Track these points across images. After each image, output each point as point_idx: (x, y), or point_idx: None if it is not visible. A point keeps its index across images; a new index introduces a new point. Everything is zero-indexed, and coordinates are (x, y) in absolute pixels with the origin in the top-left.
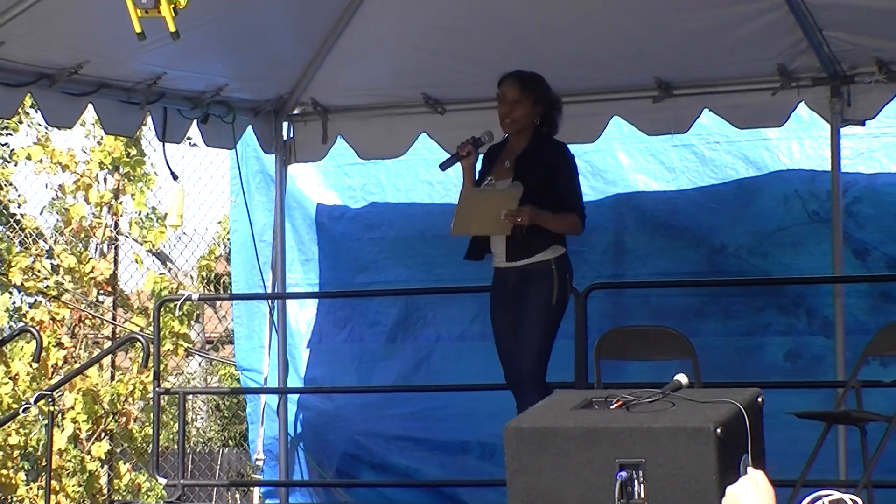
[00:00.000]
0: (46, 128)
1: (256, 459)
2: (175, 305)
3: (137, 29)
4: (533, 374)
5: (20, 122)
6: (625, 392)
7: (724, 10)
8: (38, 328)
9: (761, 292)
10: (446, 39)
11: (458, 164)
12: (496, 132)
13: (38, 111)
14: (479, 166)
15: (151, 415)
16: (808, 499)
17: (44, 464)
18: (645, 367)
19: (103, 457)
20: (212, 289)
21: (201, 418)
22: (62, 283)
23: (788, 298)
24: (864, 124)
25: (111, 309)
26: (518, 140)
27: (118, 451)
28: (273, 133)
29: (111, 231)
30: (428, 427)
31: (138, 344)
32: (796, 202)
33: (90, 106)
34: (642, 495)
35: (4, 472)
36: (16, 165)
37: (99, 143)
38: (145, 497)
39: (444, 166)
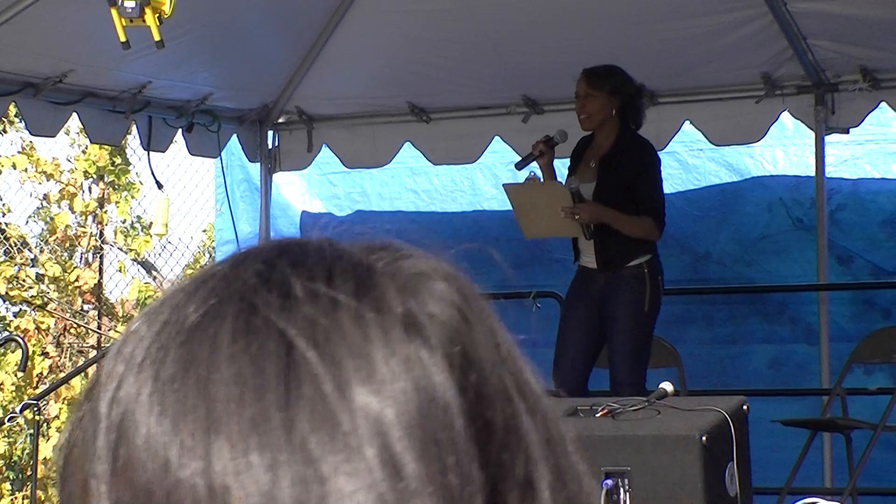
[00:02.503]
0: (31, 137)
1: None
2: None
3: (122, 38)
4: (631, 383)
5: (4, 133)
6: (610, 400)
7: (708, 19)
8: (23, 337)
9: (745, 300)
10: (431, 48)
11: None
12: (571, 131)
13: (22, 120)
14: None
15: None
16: None
17: (29, 473)
18: None
19: None
20: None
21: None
22: (47, 292)
23: (772, 306)
24: (848, 132)
25: (96, 318)
26: (603, 137)
27: None
28: (258, 142)
29: (96, 240)
30: None
31: None
32: (780, 210)
33: (75, 115)
34: (628, 503)
35: None
36: (0, 174)
37: (84, 151)
38: None
39: (519, 166)
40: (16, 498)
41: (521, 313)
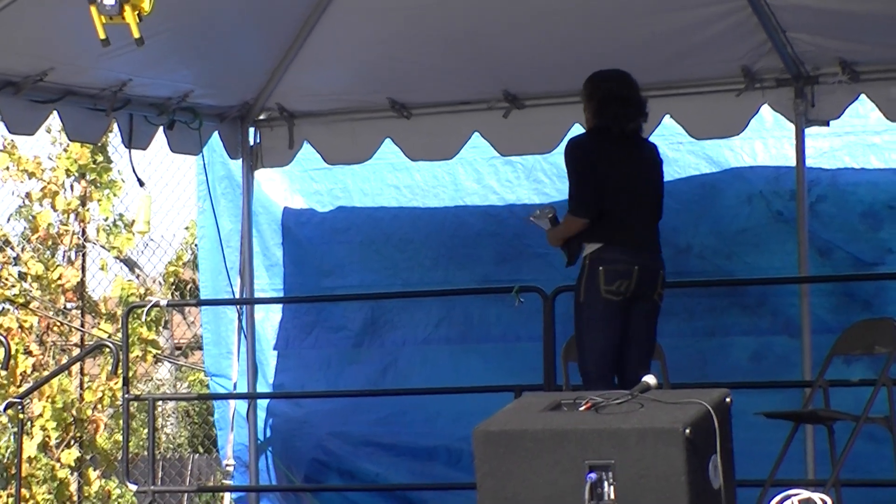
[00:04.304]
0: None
1: (226, 465)
2: (143, 311)
3: (102, 35)
4: (586, 374)
5: None
6: (593, 394)
7: (687, 13)
8: (5, 336)
9: (725, 293)
10: (411, 44)
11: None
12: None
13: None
14: None
15: (121, 421)
16: (777, 498)
17: (13, 472)
18: None
19: (73, 464)
20: (180, 295)
21: (171, 424)
22: (30, 291)
23: (753, 298)
24: (828, 124)
25: (79, 316)
26: None
27: (88, 458)
28: (239, 139)
29: (78, 238)
30: (395, 432)
31: (107, 350)
32: (760, 202)
33: (54, 113)
34: (612, 496)
35: None
36: None
37: (65, 150)
38: None
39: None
40: (0, 496)
41: (504, 308)
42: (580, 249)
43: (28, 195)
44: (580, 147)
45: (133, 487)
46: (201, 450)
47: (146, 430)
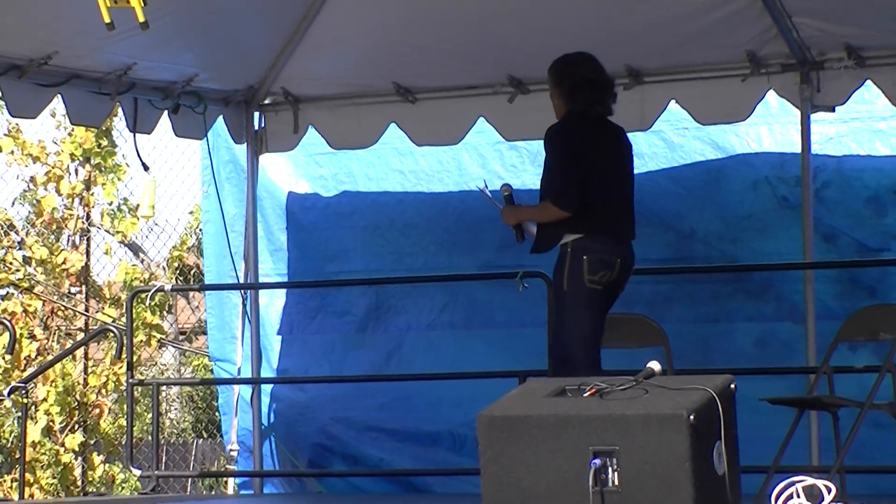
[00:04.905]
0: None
1: (230, 450)
2: (147, 296)
3: (107, 19)
4: (557, 360)
5: None
6: (598, 379)
7: None
8: (10, 320)
9: (730, 279)
10: (417, 28)
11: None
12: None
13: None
14: None
15: (125, 406)
16: (781, 485)
17: (17, 456)
18: (617, 355)
19: (77, 449)
20: (184, 279)
21: (175, 409)
22: (34, 275)
23: (757, 284)
24: (833, 110)
25: (84, 300)
26: None
27: (92, 442)
28: (244, 123)
29: (83, 222)
30: (399, 418)
31: (111, 335)
32: (765, 188)
33: (58, 97)
34: (616, 482)
35: None
36: None
37: (70, 134)
38: (119, 489)
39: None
40: (4, 480)
41: (508, 293)
42: (551, 238)
43: (32, 179)
44: (564, 135)
45: (137, 472)
46: (205, 435)
47: (150, 415)
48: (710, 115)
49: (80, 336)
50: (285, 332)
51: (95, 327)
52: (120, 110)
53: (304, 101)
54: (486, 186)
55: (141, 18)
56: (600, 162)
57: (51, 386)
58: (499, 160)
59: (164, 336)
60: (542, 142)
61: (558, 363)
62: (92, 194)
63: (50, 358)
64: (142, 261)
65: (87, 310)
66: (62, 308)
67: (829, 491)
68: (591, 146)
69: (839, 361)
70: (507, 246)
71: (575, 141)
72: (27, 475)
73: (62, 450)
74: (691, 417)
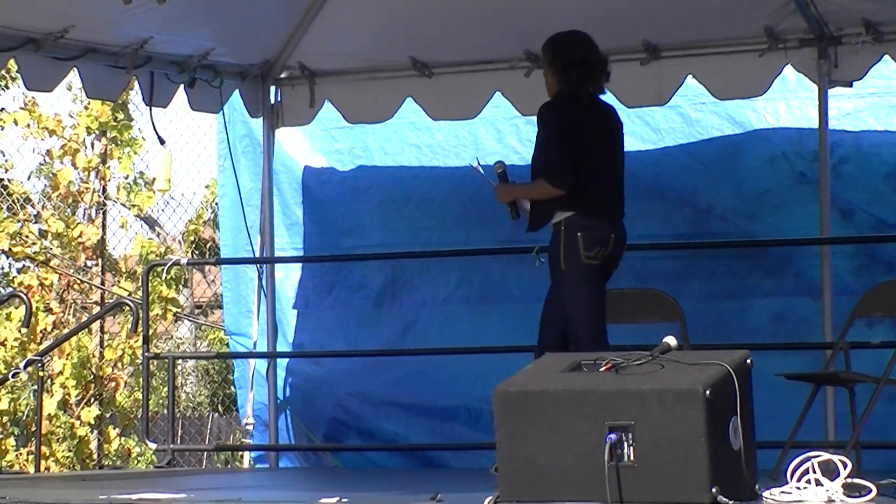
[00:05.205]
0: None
1: (246, 424)
2: (163, 270)
3: None
4: (551, 340)
5: (6, 88)
6: (614, 354)
7: None
8: (26, 293)
9: (747, 254)
10: (433, 2)
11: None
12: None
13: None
14: None
15: (140, 380)
16: (797, 460)
17: (33, 429)
18: (633, 330)
19: (93, 422)
20: (200, 253)
21: (191, 383)
22: (50, 249)
23: (774, 260)
24: (851, 85)
25: (99, 274)
26: None
27: (108, 416)
28: (260, 97)
29: (99, 196)
30: (415, 392)
31: (127, 309)
32: (783, 163)
33: (73, 71)
34: (632, 457)
35: None
36: (2, 130)
37: (86, 108)
38: (135, 462)
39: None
40: (20, 453)
41: (524, 269)
42: (544, 216)
43: (48, 153)
44: (557, 112)
45: (152, 446)
46: (220, 409)
47: (166, 389)
48: (728, 90)
49: (96, 309)
50: (301, 306)
51: (111, 301)
52: (136, 84)
53: (321, 76)
54: (479, 164)
55: None
56: (593, 142)
57: (66, 359)
58: (515, 135)
59: (179, 310)
60: None
61: (548, 343)
62: (108, 168)
63: (66, 331)
64: (158, 234)
65: (102, 283)
66: (78, 281)
67: (845, 466)
68: (584, 125)
69: (856, 337)
70: (523, 221)
71: (569, 119)
72: (43, 448)
73: (78, 423)
74: (707, 392)
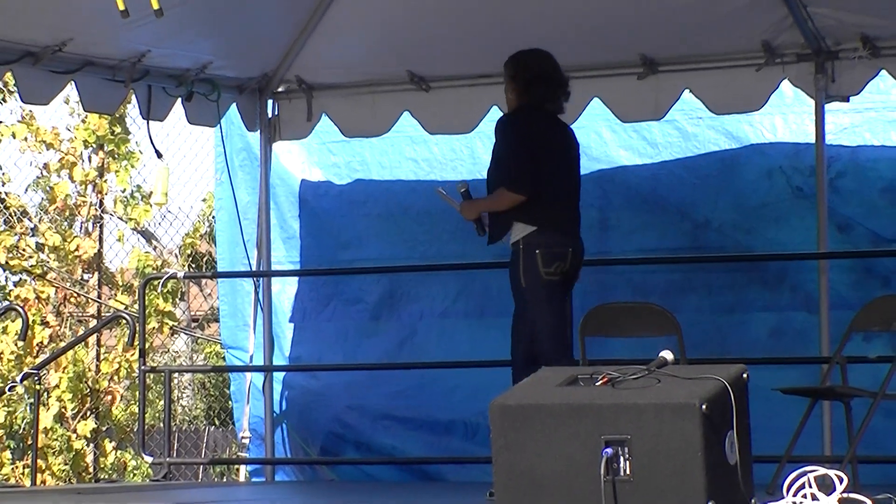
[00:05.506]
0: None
1: (242, 438)
2: (160, 283)
3: (121, 6)
4: (517, 358)
5: (4, 101)
6: (610, 368)
7: None
8: (23, 306)
9: (745, 268)
10: (430, 16)
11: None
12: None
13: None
14: None
15: (137, 393)
16: (794, 474)
17: (30, 442)
18: (630, 344)
19: (89, 435)
20: (196, 267)
21: (187, 396)
22: (47, 262)
23: (772, 274)
24: (848, 100)
25: (96, 287)
26: None
27: (104, 429)
28: (257, 111)
29: (96, 209)
30: (412, 406)
31: (123, 322)
32: (780, 177)
33: (73, 84)
34: (628, 471)
35: None
36: (0, 143)
37: (83, 121)
38: (131, 475)
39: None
40: (16, 466)
41: None
42: (502, 227)
43: (46, 166)
44: (516, 123)
45: (149, 459)
46: (217, 422)
47: (162, 402)
48: (725, 104)
49: (93, 323)
50: (298, 319)
51: (108, 314)
52: (133, 97)
53: (318, 89)
54: (443, 189)
55: (155, 6)
56: (551, 156)
57: (63, 372)
58: None
59: (176, 323)
60: None
61: (518, 359)
62: (105, 181)
63: (62, 344)
64: (154, 248)
65: (99, 296)
66: (75, 295)
67: (842, 481)
68: (543, 139)
69: (853, 351)
70: None
71: (528, 131)
72: (39, 461)
73: (74, 436)
74: (703, 407)
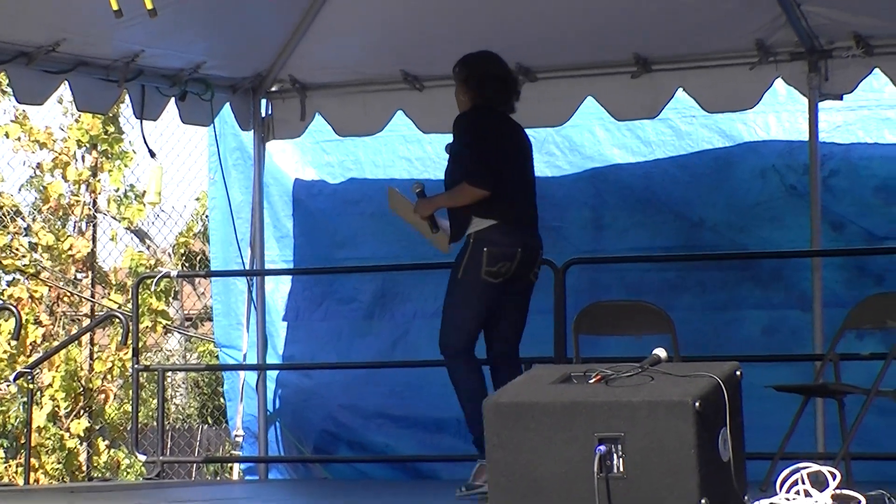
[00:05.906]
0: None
1: (236, 436)
2: (153, 282)
3: (115, 6)
4: (442, 344)
5: None
6: (604, 366)
7: None
8: (16, 306)
9: (738, 266)
10: (424, 16)
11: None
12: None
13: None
14: None
15: (130, 392)
16: (787, 471)
17: (23, 441)
18: (624, 342)
19: (82, 434)
20: (190, 266)
21: (180, 395)
22: (40, 261)
23: (765, 272)
24: (841, 98)
25: (89, 286)
26: None
27: (97, 428)
28: (251, 110)
29: (89, 208)
30: (405, 404)
31: (117, 321)
32: (774, 176)
33: (64, 84)
34: (621, 469)
35: None
36: None
37: (77, 121)
38: (124, 474)
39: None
40: (9, 465)
41: None
42: (462, 224)
43: (39, 165)
44: (474, 120)
45: (142, 458)
46: (210, 421)
47: (155, 401)
48: (718, 103)
49: (86, 322)
50: (291, 318)
51: (101, 313)
52: (127, 97)
53: (312, 89)
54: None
55: (149, 6)
56: (508, 153)
57: (56, 371)
58: None
59: (169, 322)
60: (549, 130)
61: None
62: (98, 181)
63: (56, 343)
64: (148, 247)
65: (92, 296)
66: (68, 294)
67: (835, 477)
68: (499, 136)
69: (846, 349)
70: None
71: (485, 128)
72: (32, 460)
73: (67, 435)
74: (697, 404)
